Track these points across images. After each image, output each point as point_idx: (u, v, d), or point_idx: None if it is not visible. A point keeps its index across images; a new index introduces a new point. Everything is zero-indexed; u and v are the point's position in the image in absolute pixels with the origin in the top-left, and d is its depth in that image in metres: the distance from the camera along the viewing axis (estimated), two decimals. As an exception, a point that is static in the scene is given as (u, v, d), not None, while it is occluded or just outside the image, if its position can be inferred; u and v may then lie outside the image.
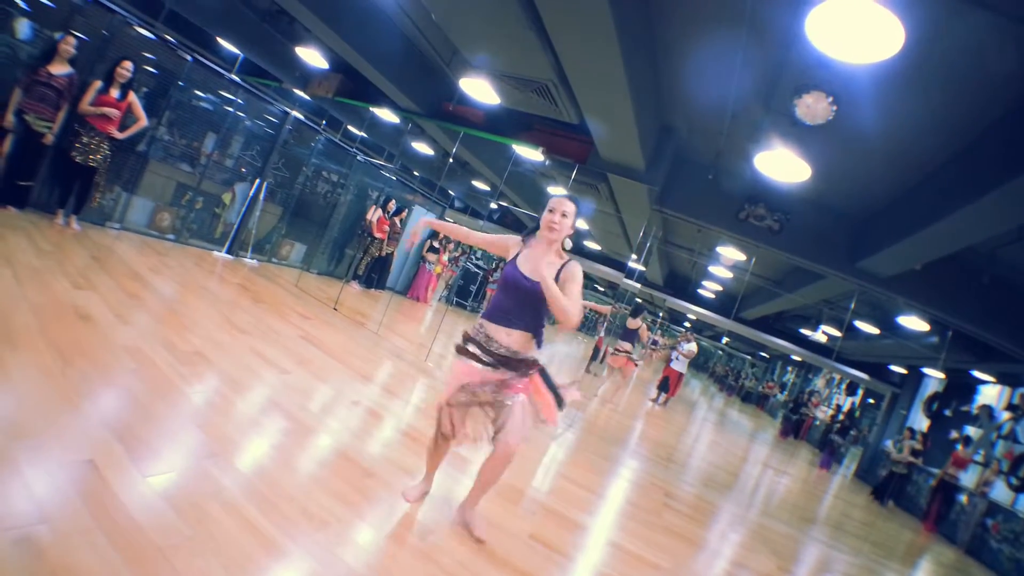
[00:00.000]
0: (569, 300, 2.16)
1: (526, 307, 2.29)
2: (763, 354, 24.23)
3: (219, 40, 8.11)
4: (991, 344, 6.60)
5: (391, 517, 2.33)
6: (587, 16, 3.56)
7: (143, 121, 4.99)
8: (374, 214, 8.98)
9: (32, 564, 1.41)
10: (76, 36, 4.59)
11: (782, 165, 4.35)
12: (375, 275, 9.61)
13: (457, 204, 16.25)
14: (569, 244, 2.41)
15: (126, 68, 4.73)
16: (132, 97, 4.84)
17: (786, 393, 21.37)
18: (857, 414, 14.89)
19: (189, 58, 5.71)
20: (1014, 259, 5.31)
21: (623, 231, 10.21)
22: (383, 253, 9.47)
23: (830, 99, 3.37)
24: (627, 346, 8.79)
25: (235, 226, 7.14)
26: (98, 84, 4.66)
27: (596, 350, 11.57)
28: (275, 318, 4.92)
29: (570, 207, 2.35)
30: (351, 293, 8.05)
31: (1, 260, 3.41)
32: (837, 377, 16.91)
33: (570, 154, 6.54)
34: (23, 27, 5.16)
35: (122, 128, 4.87)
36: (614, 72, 4.02)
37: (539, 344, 2.35)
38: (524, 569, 2.35)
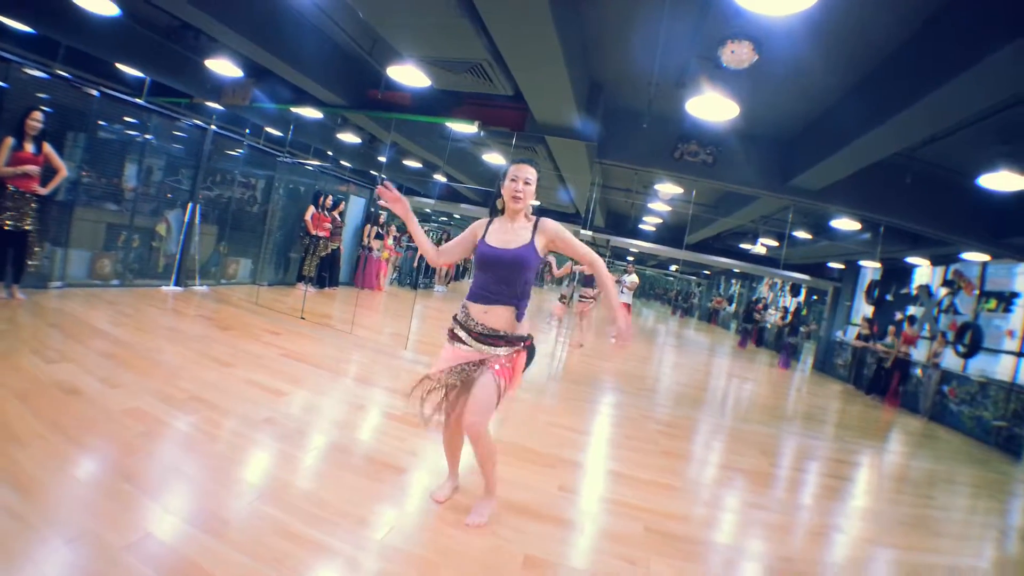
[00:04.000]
0: (601, 267, 2.38)
1: (503, 281, 2.28)
2: (705, 272, 25.38)
3: (123, 67, 7.63)
4: (920, 233, 7.28)
5: (439, 505, 2.51)
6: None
7: (63, 171, 4.67)
8: (310, 213, 8.80)
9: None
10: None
11: (711, 107, 4.57)
12: (326, 274, 9.48)
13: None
14: (530, 208, 2.41)
15: (36, 119, 4.39)
16: (48, 148, 4.52)
17: (735, 305, 22.59)
18: (804, 312, 16.01)
19: (96, 92, 5.33)
20: (932, 156, 5.84)
21: (563, 184, 10.41)
22: (329, 251, 9.33)
23: (753, 46, 3.58)
24: (591, 291, 9.17)
25: (177, 256, 6.88)
26: (10, 141, 4.31)
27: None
28: (249, 342, 4.88)
29: (532, 173, 2.33)
30: (308, 297, 7.95)
31: (-39, 351, 3.26)
32: (779, 282, 17.99)
33: (506, 123, 6.59)
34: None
35: (44, 183, 4.56)
36: (549, 43, 4.13)
37: (519, 317, 2.32)
38: (568, 519, 2.65)
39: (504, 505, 2.60)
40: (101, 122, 5.79)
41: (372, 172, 12.77)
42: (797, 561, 2.74)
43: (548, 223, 2.35)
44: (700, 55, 4.18)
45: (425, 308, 10.11)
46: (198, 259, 7.10)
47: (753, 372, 10.86)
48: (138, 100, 6.19)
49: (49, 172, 4.62)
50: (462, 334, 2.33)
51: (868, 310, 11.99)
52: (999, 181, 5.01)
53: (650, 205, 10.86)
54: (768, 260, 12.24)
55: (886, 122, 4.28)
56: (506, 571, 2.11)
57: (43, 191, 4.56)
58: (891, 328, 9.49)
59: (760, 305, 17.13)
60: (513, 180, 2.30)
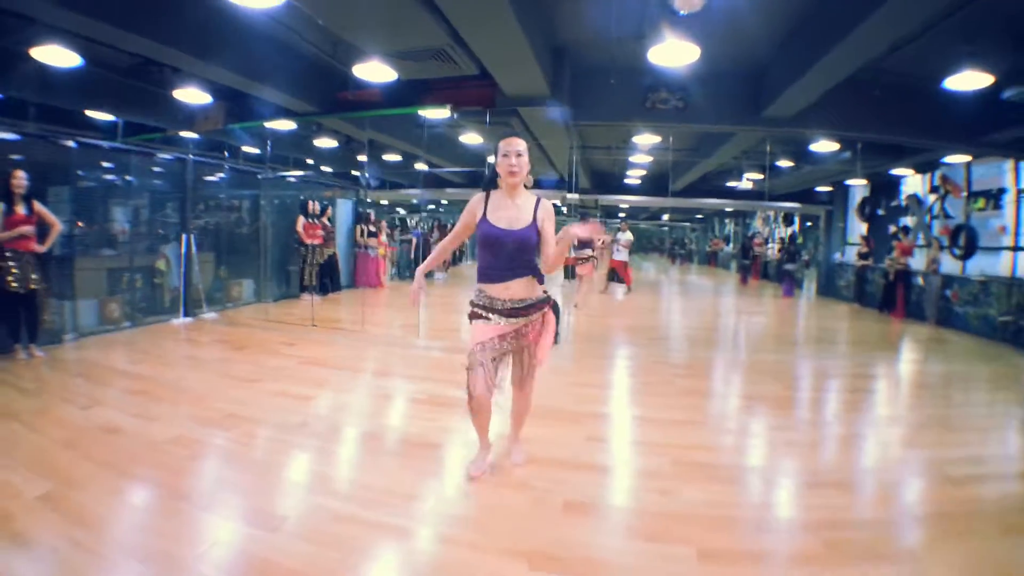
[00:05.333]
0: (551, 251, 2.29)
1: (514, 258, 2.31)
2: (699, 216, 25.40)
3: (94, 114, 7.72)
4: (897, 143, 7.32)
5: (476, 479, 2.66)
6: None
7: (57, 226, 4.74)
8: (300, 223, 8.86)
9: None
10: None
11: (673, 53, 4.59)
12: (327, 280, 9.57)
13: (373, 183, 15.97)
14: (531, 181, 2.40)
15: (19, 178, 4.43)
16: (37, 206, 4.58)
17: (732, 243, 22.67)
18: (800, 239, 16.09)
19: (73, 144, 5.39)
20: (895, 66, 5.86)
21: (543, 153, 10.45)
22: (326, 257, 9.40)
23: (702, -14, 3.63)
24: (587, 252, 9.25)
25: (181, 288, 6.99)
26: (0, 207, 4.38)
27: (566, 268, 11.98)
28: (268, 356, 5.02)
29: (522, 144, 2.32)
30: (315, 305, 8.08)
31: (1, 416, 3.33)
32: (771, 213, 18.02)
33: (477, 102, 6.64)
34: None
35: (40, 241, 4.63)
36: (504, 16, 4.17)
37: (541, 280, 2.39)
38: (599, 464, 2.84)
39: (537, 461, 2.76)
40: (82, 172, 5.86)
41: (354, 173, 12.81)
42: (826, 472, 2.88)
43: (548, 206, 2.39)
44: (654, 3, 4.22)
45: (429, 296, 10.21)
46: (201, 287, 7.20)
47: (758, 305, 11.02)
48: (115, 143, 6.24)
49: (43, 229, 4.69)
50: (491, 315, 2.35)
51: (863, 228, 12.04)
52: (966, 81, 5.05)
53: (631, 159, 10.90)
54: (755, 194, 12.30)
55: (846, 37, 4.32)
56: (548, 516, 2.28)
57: (41, 249, 4.62)
58: (896, 243, 9.49)
59: (757, 240, 17.20)
60: (505, 156, 2.30)
